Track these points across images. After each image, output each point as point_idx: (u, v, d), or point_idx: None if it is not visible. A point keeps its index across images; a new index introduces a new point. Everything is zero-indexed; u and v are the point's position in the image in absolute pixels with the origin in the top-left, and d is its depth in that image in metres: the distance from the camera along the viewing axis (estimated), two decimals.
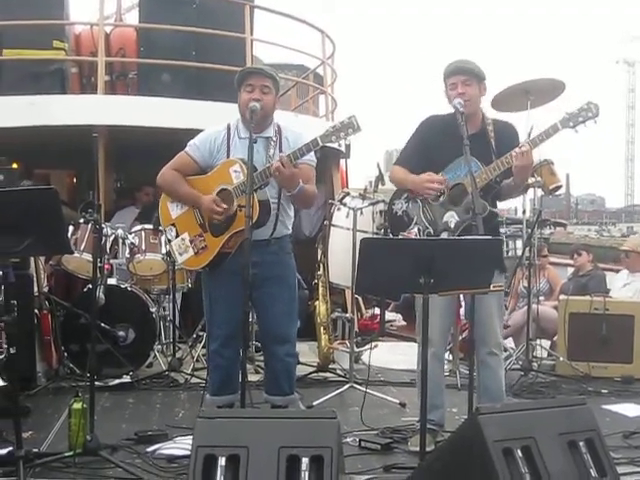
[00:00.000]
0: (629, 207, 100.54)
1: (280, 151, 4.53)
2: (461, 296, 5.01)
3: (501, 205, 4.94)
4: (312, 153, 4.50)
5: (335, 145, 4.55)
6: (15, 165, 8.46)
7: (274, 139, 4.60)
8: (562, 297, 7.08)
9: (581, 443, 3.26)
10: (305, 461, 2.99)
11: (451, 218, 4.42)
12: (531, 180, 6.71)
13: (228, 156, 4.57)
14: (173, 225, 4.72)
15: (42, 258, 6.22)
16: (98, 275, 5.16)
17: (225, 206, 4.45)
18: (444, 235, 4.45)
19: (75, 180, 10.38)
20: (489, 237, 3.87)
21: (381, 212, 5.83)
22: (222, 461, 3.00)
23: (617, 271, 8.27)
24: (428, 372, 4.54)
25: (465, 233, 4.31)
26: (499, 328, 4.69)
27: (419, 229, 4.58)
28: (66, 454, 4.13)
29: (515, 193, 4.71)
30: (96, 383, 4.97)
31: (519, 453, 3.13)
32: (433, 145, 4.61)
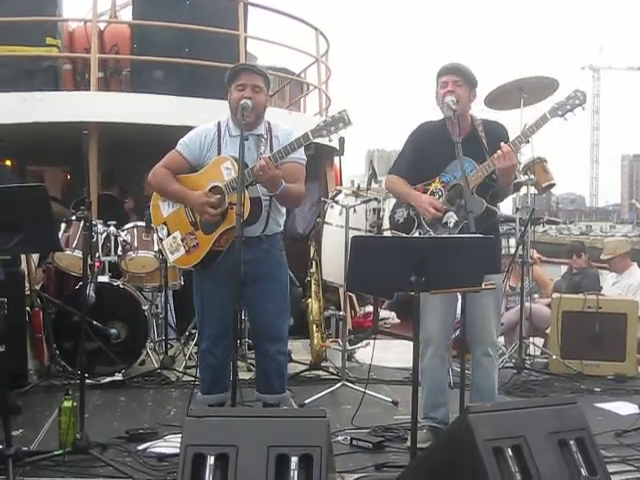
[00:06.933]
0: (609, 207, 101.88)
1: (271, 149, 4.50)
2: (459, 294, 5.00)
3: None
4: (302, 151, 4.47)
5: (328, 142, 4.52)
6: (8, 162, 8.45)
7: (265, 137, 4.57)
8: (555, 295, 7.07)
9: (571, 442, 3.26)
10: (294, 460, 2.98)
11: (450, 218, 4.42)
12: (524, 178, 6.71)
13: (219, 154, 4.53)
14: (164, 224, 4.68)
15: (35, 256, 6.21)
16: (88, 273, 5.14)
17: (218, 196, 4.42)
18: (445, 235, 4.44)
19: (69, 177, 10.35)
20: (481, 235, 3.85)
21: (374, 210, 5.83)
22: (211, 460, 3.00)
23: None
24: (429, 370, 4.57)
25: (464, 232, 4.30)
26: (495, 328, 4.68)
27: (420, 233, 4.57)
28: (55, 452, 4.13)
29: (503, 195, 4.68)
30: (87, 381, 4.98)
31: (509, 452, 3.13)
32: (427, 152, 4.62)
